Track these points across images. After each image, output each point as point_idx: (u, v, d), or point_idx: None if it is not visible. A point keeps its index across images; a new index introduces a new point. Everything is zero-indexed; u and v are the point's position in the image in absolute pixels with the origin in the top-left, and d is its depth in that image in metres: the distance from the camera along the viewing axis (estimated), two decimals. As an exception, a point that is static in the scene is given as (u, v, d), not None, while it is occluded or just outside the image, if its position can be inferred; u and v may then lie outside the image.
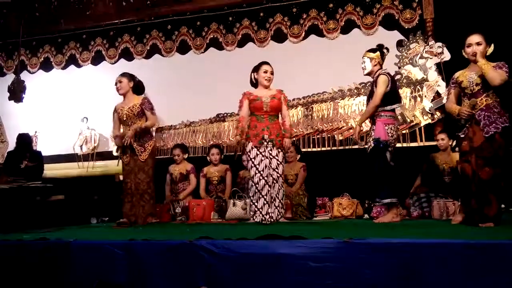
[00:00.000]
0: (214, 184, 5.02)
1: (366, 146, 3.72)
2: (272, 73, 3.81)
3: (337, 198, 4.62)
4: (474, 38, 3.08)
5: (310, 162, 4.96)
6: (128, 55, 6.53)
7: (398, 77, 5.22)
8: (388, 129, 3.56)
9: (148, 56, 6.45)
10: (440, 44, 4.98)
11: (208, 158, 5.09)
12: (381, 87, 3.56)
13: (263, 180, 3.65)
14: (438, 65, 4.98)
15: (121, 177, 5.57)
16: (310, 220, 4.40)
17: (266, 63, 3.85)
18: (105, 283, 2.29)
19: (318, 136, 5.51)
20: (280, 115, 3.87)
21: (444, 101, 4.84)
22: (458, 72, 3.25)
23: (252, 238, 2.18)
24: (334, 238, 2.05)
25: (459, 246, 1.86)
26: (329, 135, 5.45)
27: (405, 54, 5.22)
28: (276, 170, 3.70)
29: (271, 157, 3.70)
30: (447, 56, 4.92)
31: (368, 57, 3.75)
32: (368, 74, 3.77)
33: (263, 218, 3.59)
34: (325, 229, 3.05)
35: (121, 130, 3.96)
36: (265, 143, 3.71)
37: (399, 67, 5.25)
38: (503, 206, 4.02)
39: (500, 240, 1.87)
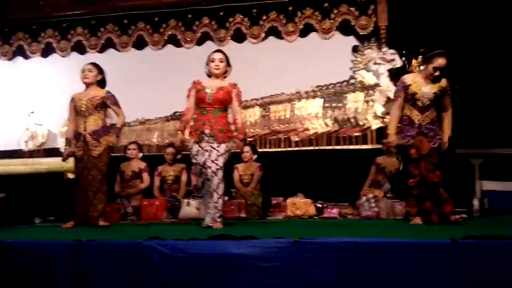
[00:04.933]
0: (168, 184, 4.94)
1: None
2: (221, 61, 3.41)
3: (291, 198, 4.68)
4: (443, 62, 3.19)
5: (266, 162, 5.00)
6: (80, 49, 6.27)
7: (352, 81, 5.39)
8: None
9: (102, 50, 6.22)
10: (392, 51, 5.18)
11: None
12: None
13: (204, 176, 3.30)
14: (390, 71, 5.18)
15: (70, 175, 5.36)
16: (264, 219, 4.43)
17: (216, 51, 3.52)
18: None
19: (274, 137, 5.56)
20: (230, 111, 3.52)
21: (395, 106, 5.07)
22: (409, 78, 3.33)
23: (203, 239, 2.16)
24: (285, 238, 2.07)
25: (407, 245, 1.95)
26: (285, 136, 5.51)
27: (360, 60, 5.38)
28: (215, 161, 3.26)
29: (211, 149, 3.31)
30: (398, 63, 5.12)
31: None
32: None
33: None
34: (277, 229, 3.08)
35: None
36: (206, 138, 3.32)
37: (354, 72, 5.40)
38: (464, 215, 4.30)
39: (444, 240, 1.97)
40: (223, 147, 3.33)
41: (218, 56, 3.44)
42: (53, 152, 6.05)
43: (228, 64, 3.52)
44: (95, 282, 2.20)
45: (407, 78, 3.33)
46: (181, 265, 2.07)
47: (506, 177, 4.64)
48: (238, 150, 3.60)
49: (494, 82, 4.69)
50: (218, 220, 3.23)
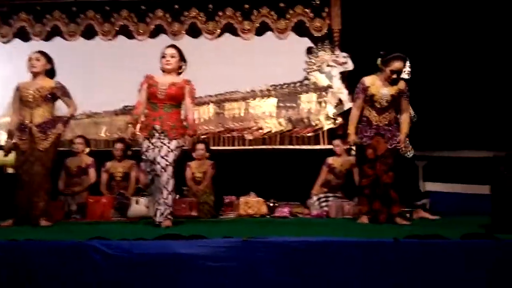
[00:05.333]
0: (117, 181, 4.77)
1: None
2: (172, 56, 3.35)
3: (243, 197, 4.67)
4: (400, 65, 3.30)
5: (220, 161, 4.95)
6: (24, 35, 5.89)
7: (306, 82, 5.47)
8: None
9: (48, 38, 5.88)
10: (345, 54, 5.32)
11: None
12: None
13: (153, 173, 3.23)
14: (342, 73, 5.31)
15: (9, 170, 5.02)
16: (215, 218, 4.39)
17: (169, 46, 3.46)
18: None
19: (228, 135, 5.52)
20: (183, 108, 3.45)
21: (346, 107, 5.20)
22: (368, 80, 3.42)
23: (150, 238, 2.09)
24: (234, 237, 2.05)
25: (353, 244, 1.99)
26: (239, 134, 5.50)
27: (314, 61, 5.48)
28: (165, 157, 3.19)
29: (161, 145, 3.24)
30: (350, 66, 5.27)
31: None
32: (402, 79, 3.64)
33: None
34: (227, 228, 3.05)
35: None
36: (157, 134, 3.27)
37: (308, 73, 5.49)
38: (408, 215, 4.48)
39: (386, 238, 2.03)
40: (174, 143, 3.26)
41: (170, 51, 3.38)
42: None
43: (183, 60, 3.46)
44: (34, 284, 2.06)
45: (367, 80, 3.42)
46: (126, 266, 1.98)
47: (448, 178, 4.90)
48: (186, 147, 3.51)
49: (438, 86, 4.92)
50: (168, 217, 3.16)
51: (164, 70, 3.40)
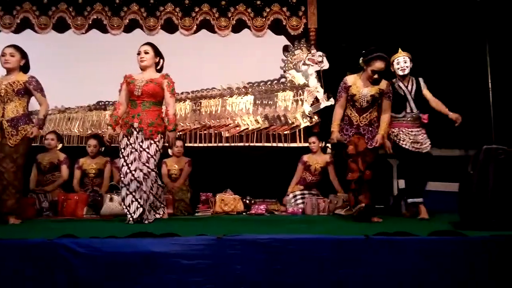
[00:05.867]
0: (90, 177, 4.68)
1: (417, 145, 3.67)
2: (146, 53, 3.41)
3: (220, 194, 4.66)
4: (381, 65, 3.30)
5: (196, 158, 4.93)
6: (-8, 27, 5.69)
7: (283, 80, 5.49)
8: None
9: (18, 30, 5.70)
10: (321, 53, 5.37)
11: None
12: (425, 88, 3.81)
13: (130, 175, 3.25)
14: (318, 72, 5.36)
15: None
16: (191, 216, 4.36)
17: (145, 44, 3.50)
18: None
19: (205, 132, 5.50)
20: (163, 103, 3.50)
21: (322, 106, 5.26)
22: (350, 79, 3.44)
23: (122, 237, 2.06)
24: (208, 235, 2.05)
25: (325, 241, 2.02)
26: (216, 132, 5.48)
27: (290, 59, 5.51)
28: (147, 164, 3.27)
29: (141, 149, 3.30)
30: (326, 65, 5.32)
31: (409, 57, 3.70)
32: (406, 74, 3.71)
33: (131, 217, 3.21)
34: (202, 226, 3.04)
35: None
36: (135, 132, 3.32)
37: (284, 71, 5.52)
38: None
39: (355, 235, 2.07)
40: (153, 148, 3.33)
41: (143, 48, 3.45)
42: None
43: (158, 56, 3.50)
44: (2, 284, 2.00)
45: (349, 79, 3.44)
46: (97, 264, 1.95)
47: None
48: (167, 144, 3.50)
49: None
50: (159, 215, 3.47)
51: (141, 68, 3.45)
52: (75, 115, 5.62)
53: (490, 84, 4.50)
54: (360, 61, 3.40)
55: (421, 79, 3.85)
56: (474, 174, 2.35)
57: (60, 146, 4.76)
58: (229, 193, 4.70)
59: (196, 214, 4.49)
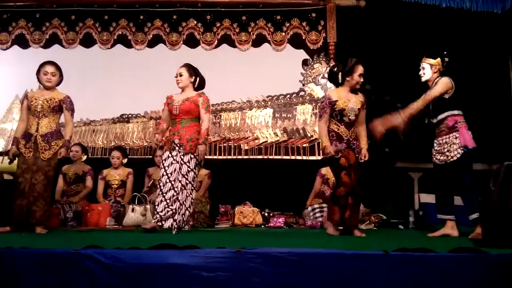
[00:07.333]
0: (113, 188, 4.79)
1: (440, 155, 3.35)
2: (181, 75, 3.68)
3: (239, 206, 4.70)
4: (362, 68, 3.36)
5: (216, 170, 4.99)
6: (23, 42, 5.94)
7: (302, 93, 5.54)
8: (471, 134, 3.30)
9: (47, 45, 5.94)
10: (340, 67, 5.39)
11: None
12: (440, 87, 3.32)
13: (170, 184, 3.49)
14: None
15: (6, 176, 5.04)
16: (211, 228, 4.41)
17: (181, 66, 3.74)
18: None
19: (224, 144, 5.57)
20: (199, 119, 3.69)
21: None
22: (333, 94, 3.40)
23: (145, 248, 2.12)
24: (227, 248, 2.08)
25: (344, 256, 2.02)
26: (235, 144, 5.55)
27: (309, 73, 5.56)
28: (186, 176, 3.53)
29: (182, 162, 3.54)
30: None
31: (428, 63, 3.48)
32: (427, 81, 3.49)
33: (159, 219, 3.45)
34: (222, 238, 3.07)
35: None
36: (177, 147, 3.57)
37: (303, 84, 5.57)
38: (401, 227, 4.49)
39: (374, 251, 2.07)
40: (193, 162, 3.57)
41: (178, 71, 3.72)
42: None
43: (193, 75, 3.75)
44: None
45: (332, 95, 3.40)
46: (121, 275, 2.00)
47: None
48: (198, 157, 3.62)
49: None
50: (186, 228, 3.62)
51: (180, 88, 3.73)
52: (100, 127, 5.79)
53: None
54: (339, 75, 3.40)
55: (440, 79, 3.42)
56: (495, 190, 2.32)
57: (84, 157, 4.90)
58: (248, 205, 4.74)
59: (216, 226, 4.54)
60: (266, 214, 4.71)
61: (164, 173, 3.52)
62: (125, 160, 4.90)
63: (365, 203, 4.67)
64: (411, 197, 5.14)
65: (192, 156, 3.56)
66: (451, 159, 3.27)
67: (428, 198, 4.94)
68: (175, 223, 3.44)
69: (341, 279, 1.95)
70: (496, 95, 4.86)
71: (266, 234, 3.58)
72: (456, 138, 3.27)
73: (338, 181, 3.30)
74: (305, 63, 5.60)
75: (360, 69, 3.36)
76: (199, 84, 3.77)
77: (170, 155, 3.56)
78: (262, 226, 4.57)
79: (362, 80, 3.38)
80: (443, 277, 1.98)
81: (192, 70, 3.74)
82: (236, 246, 2.09)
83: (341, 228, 3.35)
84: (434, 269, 2.00)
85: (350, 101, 3.35)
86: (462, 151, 3.23)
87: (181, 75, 3.69)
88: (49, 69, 3.56)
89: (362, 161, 3.35)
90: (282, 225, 4.50)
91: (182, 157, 3.54)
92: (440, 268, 2.00)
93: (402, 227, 4.54)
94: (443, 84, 3.33)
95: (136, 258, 2.02)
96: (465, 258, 2.04)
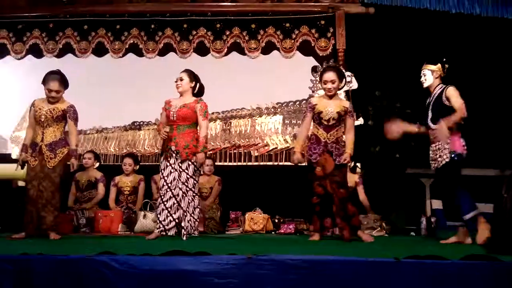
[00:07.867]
0: (125, 195, 4.85)
1: (434, 162, 3.41)
2: (181, 79, 3.69)
3: (249, 213, 4.72)
4: (330, 76, 3.46)
5: (226, 176, 5.02)
6: (37, 52, 6.05)
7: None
8: (463, 142, 3.35)
9: (60, 55, 6.05)
10: (349, 73, 5.39)
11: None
12: (459, 97, 3.32)
13: (170, 193, 3.53)
14: (347, 92, 5.38)
15: (20, 183, 5.12)
16: (222, 234, 4.43)
17: (182, 71, 3.76)
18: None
19: (234, 151, 5.60)
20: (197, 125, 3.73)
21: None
22: (315, 99, 3.63)
23: (157, 254, 2.14)
24: (238, 254, 2.10)
25: (354, 263, 2.03)
26: (245, 151, 5.57)
27: (318, 80, 5.56)
28: (186, 184, 3.56)
29: (180, 170, 3.56)
30: (355, 85, 5.34)
31: (429, 69, 3.52)
32: (428, 87, 3.53)
33: (162, 229, 3.50)
34: (232, 244, 3.09)
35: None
36: (174, 154, 3.58)
37: (313, 91, 5.57)
38: (413, 233, 4.47)
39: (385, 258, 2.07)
40: (192, 169, 3.57)
41: (179, 75, 3.69)
42: (1, 158, 5.77)
43: (193, 81, 3.73)
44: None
45: (313, 100, 3.63)
46: (134, 281, 2.03)
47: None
48: (197, 164, 3.64)
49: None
50: (194, 234, 3.57)
51: (179, 93, 3.70)
52: (112, 134, 5.87)
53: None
54: (318, 83, 3.55)
55: (449, 88, 3.40)
56: (507, 197, 2.30)
57: (97, 164, 4.97)
58: (258, 212, 4.75)
59: (226, 232, 4.56)
60: (276, 221, 4.72)
61: (164, 183, 3.55)
62: (137, 167, 4.96)
63: (376, 210, 4.65)
64: (422, 204, 5.10)
65: (190, 162, 3.57)
66: (441, 164, 3.35)
67: (440, 205, 4.89)
68: (183, 230, 3.47)
69: (352, 286, 1.95)
70: (509, 101, 4.81)
71: (276, 240, 3.59)
72: (447, 144, 3.31)
73: (312, 190, 3.48)
74: (314, 69, 5.61)
75: (325, 77, 3.48)
76: (199, 90, 3.79)
77: (168, 164, 3.57)
78: (273, 233, 4.57)
79: (328, 86, 3.47)
80: (455, 285, 1.98)
81: (193, 76, 3.75)
82: (247, 253, 2.10)
83: (329, 233, 3.66)
84: (446, 276, 1.99)
85: (329, 105, 3.48)
86: (451, 156, 3.28)
87: (181, 80, 3.68)
88: (53, 86, 3.54)
89: (339, 163, 3.42)
90: (293, 231, 4.50)
91: (180, 164, 3.56)
92: (452, 275, 1.99)
93: (414, 234, 4.51)
94: (456, 91, 3.37)
95: (149, 264, 2.04)
96: (478, 265, 2.03)
